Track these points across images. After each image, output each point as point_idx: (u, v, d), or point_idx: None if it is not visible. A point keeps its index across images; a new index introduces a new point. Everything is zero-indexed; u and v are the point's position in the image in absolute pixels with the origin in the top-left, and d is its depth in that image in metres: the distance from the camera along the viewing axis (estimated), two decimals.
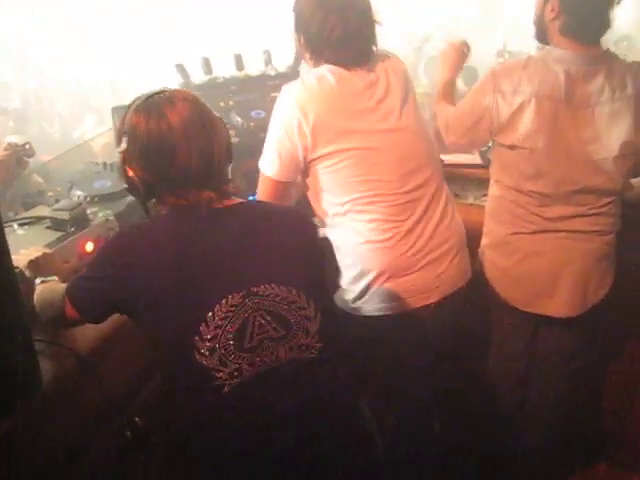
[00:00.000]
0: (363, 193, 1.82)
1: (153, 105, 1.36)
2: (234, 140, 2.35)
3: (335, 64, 1.84)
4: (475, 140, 2.06)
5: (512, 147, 1.93)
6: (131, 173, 1.38)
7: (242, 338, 1.30)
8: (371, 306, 1.89)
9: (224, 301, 1.30)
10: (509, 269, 2.05)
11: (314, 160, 1.82)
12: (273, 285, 1.35)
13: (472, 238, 2.12)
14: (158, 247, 1.32)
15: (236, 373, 1.29)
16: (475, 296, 2.06)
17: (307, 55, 1.92)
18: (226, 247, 1.36)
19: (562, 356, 2.17)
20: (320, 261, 1.56)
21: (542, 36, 1.94)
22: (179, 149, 1.32)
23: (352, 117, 1.82)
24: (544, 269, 1.99)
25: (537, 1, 1.93)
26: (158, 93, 1.39)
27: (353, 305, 1.92)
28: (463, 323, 2.05)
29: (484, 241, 2.15)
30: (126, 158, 1.38)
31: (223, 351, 1.28)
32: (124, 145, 1.37)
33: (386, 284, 1.86)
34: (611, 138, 1.85)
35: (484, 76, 1.98)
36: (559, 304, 2.00)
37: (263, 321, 1.33)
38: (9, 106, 5.18)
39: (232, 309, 1.30)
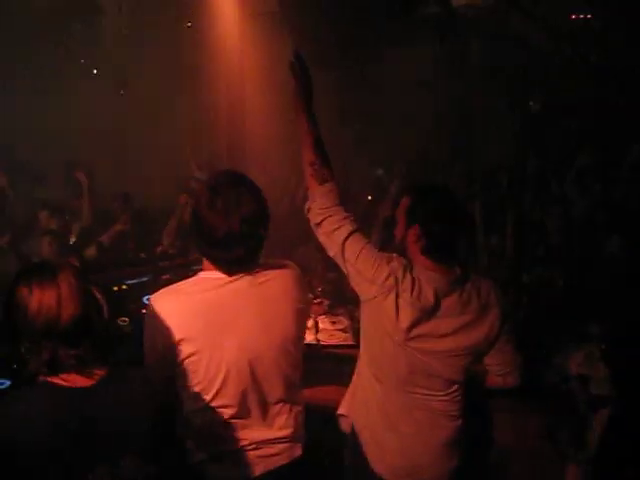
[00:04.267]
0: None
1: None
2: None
3: (218, 266, 1.97)
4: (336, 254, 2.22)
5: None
6: None
7: None
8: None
9: None
10: None
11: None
12: None
13: None
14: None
15: None
16: None
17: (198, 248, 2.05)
18: None
19: None
20: None
21: (403, 253, 2.28)
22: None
23: (204, 338, 1.92)
24: None
25: (399, 226, 2.30)
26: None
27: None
28: None
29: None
30: None
31: None
32: None
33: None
34: (458, 341, 2.18)
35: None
36: None
37: None
38: None
39: None
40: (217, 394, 1.97)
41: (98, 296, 1.68)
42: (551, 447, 2.48)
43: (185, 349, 1.92)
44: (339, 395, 2.45)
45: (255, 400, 2.02)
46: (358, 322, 2.53)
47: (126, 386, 1.71)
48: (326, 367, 2.96)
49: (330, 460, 2.43)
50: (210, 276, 2.00)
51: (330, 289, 3.89)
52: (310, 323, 3.30)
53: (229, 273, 1.99)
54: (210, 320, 1.94)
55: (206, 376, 1.95)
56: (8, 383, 2.10)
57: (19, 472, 1.48)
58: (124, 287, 2.67)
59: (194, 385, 1.97)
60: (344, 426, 2.40)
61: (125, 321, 2.54)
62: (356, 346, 2.82)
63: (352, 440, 2.35)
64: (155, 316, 1.94)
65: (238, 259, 1.95)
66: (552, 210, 4.63)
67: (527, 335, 2.89)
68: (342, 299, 3.71)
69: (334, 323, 3.46)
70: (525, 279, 3.46)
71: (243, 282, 2.00)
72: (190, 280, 2.03)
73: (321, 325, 3.38)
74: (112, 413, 1.62)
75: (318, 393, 2.81)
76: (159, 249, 3.22)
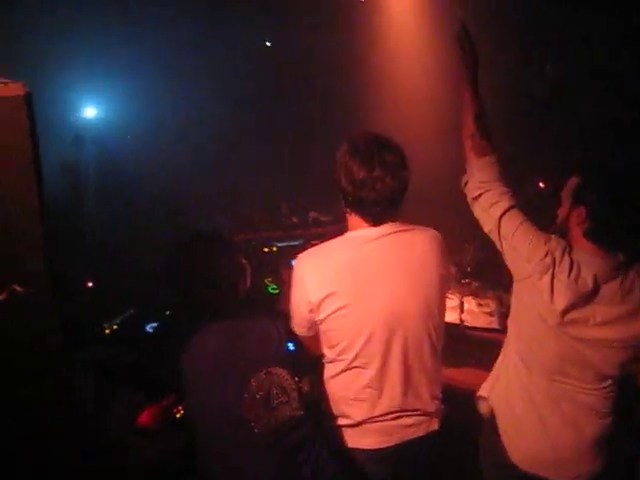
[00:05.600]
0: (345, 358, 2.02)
1: None
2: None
3: (364, 215, 2.00)
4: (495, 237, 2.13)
5: None
6: None
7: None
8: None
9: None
10: None
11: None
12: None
13: None
14: None
15: None
16: None
17: (344, 206, 2.08)
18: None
19: None
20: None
21: (564, 235, 2.14)
22: None
23: (351, 293, 1.96)
24: None
25: (563, 206, 2.16)
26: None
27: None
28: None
29: None
30: None
31: None
32: None
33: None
34: (615, 331, 2.01)
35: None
36: None
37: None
38: None
39: None
40: (360, 352, 1.99)
41: (243, 262, 1.99)
42: None
43: (333, 303, 1.97)
44: (479, 378, 2.38)
45: (397, 363, 2.02)
46: (506, 307, 2.43)
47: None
48: (468, 349, 2.88)
49: (464, 441, 2.37)
50: (355, 235, 2.03)
51: (480, 270, 3.76)
52: (456, 302, 3.23)
53: (375, 221, 2.01)
54: (357, 275, 1.98)
55: (352, 330, 1.98)
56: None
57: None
58: (274, 249, 2.77)
59: (338, 344, 2.02)
60: (483, 409, 2.32)
61: (271, 281, 2.64)
62: (501, 330, 2.73)
63: (489, 424, 2.27)
64: (301, 274, 2.02)
65: (385, 199, 1.97)
66: None
67: None
68: (492, 282, 3.57)
69: (480, 305, 3.34)
70: None
71: (388, 240, 2.02)
72: (336, 239, 2.08)
73: (467, 306, 3.28)
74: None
75: (457, 374, 2.75)
76: (312, 215, 3.30)
